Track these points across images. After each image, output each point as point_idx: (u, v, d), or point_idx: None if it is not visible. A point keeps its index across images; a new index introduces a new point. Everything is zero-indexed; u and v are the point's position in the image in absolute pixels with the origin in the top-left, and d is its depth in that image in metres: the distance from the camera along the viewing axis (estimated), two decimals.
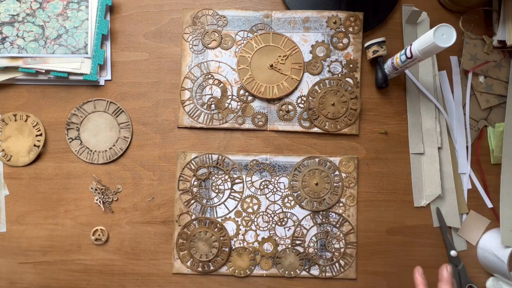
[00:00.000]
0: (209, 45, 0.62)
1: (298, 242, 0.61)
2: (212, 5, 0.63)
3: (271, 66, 0.61)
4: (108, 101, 0.62)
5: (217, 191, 0.61)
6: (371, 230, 0.61)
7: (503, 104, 0.63)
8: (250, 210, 0.61)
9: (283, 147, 0.62)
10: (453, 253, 0.60)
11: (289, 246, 0.61)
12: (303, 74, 0.62)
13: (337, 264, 0.61)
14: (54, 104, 0.62)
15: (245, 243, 0.61)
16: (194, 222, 0.61)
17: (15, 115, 0.62)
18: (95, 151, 0.62)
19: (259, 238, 0.61)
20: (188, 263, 0.60)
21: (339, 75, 0.62)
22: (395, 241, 0.61)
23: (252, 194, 0.61)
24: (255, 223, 0.61)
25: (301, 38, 0.62)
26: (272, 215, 0.61)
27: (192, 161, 0.61)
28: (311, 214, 0.61)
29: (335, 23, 0.61)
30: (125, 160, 0.62)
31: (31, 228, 0.62)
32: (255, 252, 0.60)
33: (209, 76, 0.62)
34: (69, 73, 0.60)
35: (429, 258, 0.61)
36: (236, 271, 0.60)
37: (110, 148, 0.62)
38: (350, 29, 0.61)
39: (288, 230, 0.61)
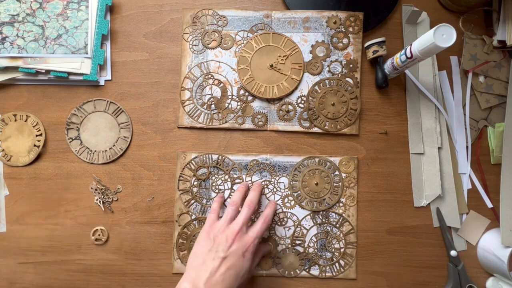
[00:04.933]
0: (209, 45, 0.62)
1: (298, 242, 0.61)
2: (212, 5, 0.63)
3: (271, 66, 0.61)
4: (108, 101, 0.62)
5: (217, 191, 0.61)
6: (371, 230, 0.61)
7: (503, 104, 0.63)
8: None
9: (283, 147, 0.62)
10: (453, 253, 0.60)
11: (289, 246, 0.61)
12: (303, 74, 0.62)
13: (337, 264, 0.61)
14: (54, 104, 0.62)
15: None
16: (194, 222, 0.61)
17: (15, 115, 0.62)
18: (95, 151, 0.62)
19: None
20: None
21: (339, 75, 0.62)
22: (395, 241, 0.61)
23: None
24: None
25: (301, 38, 0.62)
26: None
27: (192, 161, 0.61)
28: (311, 214, 0.61)
29: (335, 23, 0.61)
30: (125, 160, 0.62)
31: (31, 228, 0.62)
32: None
33: (209, 76, 0.62)
34: (69, 73, 0.60)
35: (429, 258, 0.61)
36: None
37: (110, 148, 0.62)
38: (350, 29, 0.62)
39: (288, 230, 0.61)
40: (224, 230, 0.52)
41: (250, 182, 0.61)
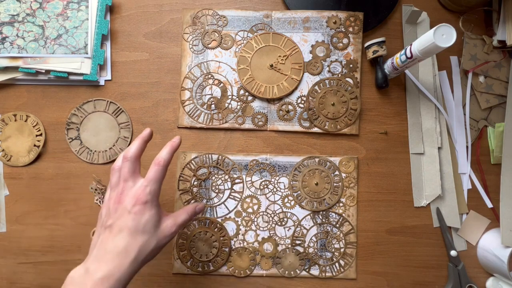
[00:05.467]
0: (209, 45, 0.62)
1: (298, 242, 0.61)
2: (212, 5, 0.63)
3: (271, 66, 0.61)
4: (108, 101, 0.62)
5: (217, 191, 0.61)
6: (371, 230, 0.61)
7: (503, 104, 0.63)
8: (250, 210, 0.61)
9: (283, 147, 0.62)
10: (453, 253, 0.60)
11: (289, 246, 0.61)
12: (303, 74, 0.62)
13: (337, 264, 0.61)
14: (54, 104, 0.62)
15: (245, 243, 0.61)
16: (194, 222, 0.61)
17: (15, 115, 0.62)
18: (95, 151, 0.62)
19: (259, 238, 0.61)
20: (188, 263, 0.60)
21: (339, 75, 0.62)
22: (395, 241, 0.61)
23: (252, 194, 0.61)
24: (255, 223, 0.61)
25: (301, 38, 0.62)
26: (272, 215, 0.61)
27: (192, 161, 0.61)
28: (311, 214, 0.61)
29: (335, 23, 0.61)
30: None
31: (31, 228, 0.61)
32: (255, 252, 0.60)
33: (209, 76, 0.62)
34: (69, 73, 0.60)
35: (429, 258, 0.61)
36: (236, 271, 0.60)
37: (110, 148, 0.62)
38: (350, 29, 0.61)
39: (288, 230, 0.61)
40: (109, 200, 0.45)
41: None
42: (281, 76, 0.61)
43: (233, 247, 0.61)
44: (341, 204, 0.61)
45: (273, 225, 0.61)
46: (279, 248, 0.61)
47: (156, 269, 0.61)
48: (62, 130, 0.62)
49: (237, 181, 0.61)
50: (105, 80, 0.62)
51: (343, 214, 0.61)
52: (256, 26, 0.62)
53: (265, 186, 0.61)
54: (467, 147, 0.62)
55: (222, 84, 0.62)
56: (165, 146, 0.48)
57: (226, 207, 0.61)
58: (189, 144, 0.62)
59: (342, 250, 0.61)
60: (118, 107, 0.62)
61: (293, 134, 0.62)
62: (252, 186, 0.61)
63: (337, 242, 0.61)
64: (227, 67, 0.62)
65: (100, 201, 0.61)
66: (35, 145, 0.62)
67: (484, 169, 0.62)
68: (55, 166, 0.62)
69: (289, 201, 0.61)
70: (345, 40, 0.62)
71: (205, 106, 0.62)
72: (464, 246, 0.61)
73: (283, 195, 0.61)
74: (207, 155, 0.61)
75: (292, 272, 0.60)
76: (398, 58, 0.56)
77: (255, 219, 0.61)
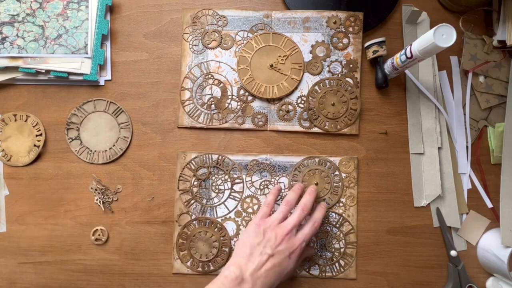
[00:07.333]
0: (209, 45, 0.62)
1: None
2: (212, 5, 0.63)
3: (271, 66, 0.61)
4: (108, 101, 0.62)
5: (217, 191, 0.61)
6: (371, 230, 0.61)
7: (503, 104, 0.63)
8: (250, 210, 0.61)
9: (283, 147, 0.62)
10: (453, 253, 0.60)
11: None
12: (303, 74, 0.62)
13: (337, 264, 0.61)
14: (54, 104, 0.62)
15: None
16: (194, 222, 0.61)
17: (15, 115, 0.62)
18: (95, 151, 0.62)
19: None
20: (188, 263, 0.60)
21: (339, 75, 0.62)
22: (395, 241, 0.61)
23: (252, 194, 0.61)
24: None
25: (301, 38, 0.62)
26: None
27: (192, 161, 0.61)
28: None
29: (335, 23, 0.61)
30: (125, 160, 0.62)
31: (31, 228, 0.62)
32: None
33: (209, 76, 0.62)
34: (69, 73, 0.60)
35: (429, 258, 0.61)
36: None
37: (110, 148, 0.62)
38: (350, 29, 0.61)
39: None
40: (274, 228, 0.52)
41: (305, 184, 0.61)
42: (281, 76, 0.61)
43: (233, 247, 0.61)
44: (341, 204, 0.61)
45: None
46: None
47: (156, 269, 0.61)
48: (62, 130, 0.62)
49: (237, 181, 0.61)
50: (105, 80, 0.62)
51: (343, 214, 0.61)
52: (256, 26, 0.62)
53: (265, 186, 0.61)
54: (467, 147, 0.62)
55: (222, 84, 0.62)
56: (318, 208, 0.56)
57: (226, 207, 0.61)
58: (189, 144, 0.62)
59: (342, 250, 0.61)
60: (118, 107, 0.62)
61: (293, 134, 0.62)
62: (252, 186, 0.61)
63: (337, 242, 0.61)
64: (227, 67, 0.62)
65: (100, 201, 0.61)
66: (35, 145, 0.62)
67: (484, 169, 0.62)
68: (55, 166, 0.62)
69: None
70: (345, 40, 0.62)
71: (205, 106, 0.62)
72: (464, 246, 0.61)
73: (283, 195, 0.61)
74: (207, 155, 0.61)
75: None
76: (398, 58, 0.56)
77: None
